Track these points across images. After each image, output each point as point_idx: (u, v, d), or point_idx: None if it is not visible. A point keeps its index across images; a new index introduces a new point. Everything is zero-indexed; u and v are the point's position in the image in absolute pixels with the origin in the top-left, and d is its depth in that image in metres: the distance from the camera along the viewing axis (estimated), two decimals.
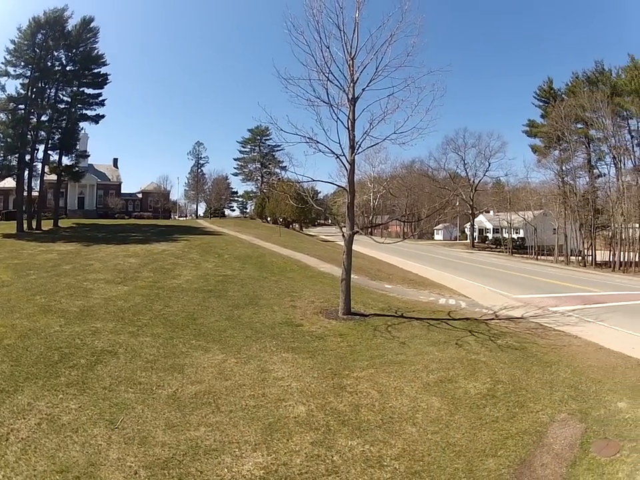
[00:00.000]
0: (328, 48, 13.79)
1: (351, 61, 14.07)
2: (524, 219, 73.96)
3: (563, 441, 7.03)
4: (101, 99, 51.31)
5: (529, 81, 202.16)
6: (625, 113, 63.95)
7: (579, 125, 67.38)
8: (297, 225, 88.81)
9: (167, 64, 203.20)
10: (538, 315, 17.54)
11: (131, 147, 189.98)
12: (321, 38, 13.70)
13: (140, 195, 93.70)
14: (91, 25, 47.99)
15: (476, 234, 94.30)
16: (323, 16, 13.68)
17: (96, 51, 49.37)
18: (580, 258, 63.45)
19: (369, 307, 15.91)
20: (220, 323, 12.67)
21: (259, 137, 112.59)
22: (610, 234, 63.14)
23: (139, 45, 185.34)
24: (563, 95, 72.15)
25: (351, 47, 14.01)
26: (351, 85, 14.14)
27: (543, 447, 6.84)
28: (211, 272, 20.55)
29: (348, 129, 14.33)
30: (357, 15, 13.93)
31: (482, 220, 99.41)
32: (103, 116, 51.55)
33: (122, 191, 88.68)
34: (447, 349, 11.45)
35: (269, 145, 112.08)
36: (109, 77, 51.46)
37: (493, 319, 16.24)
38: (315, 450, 6.25)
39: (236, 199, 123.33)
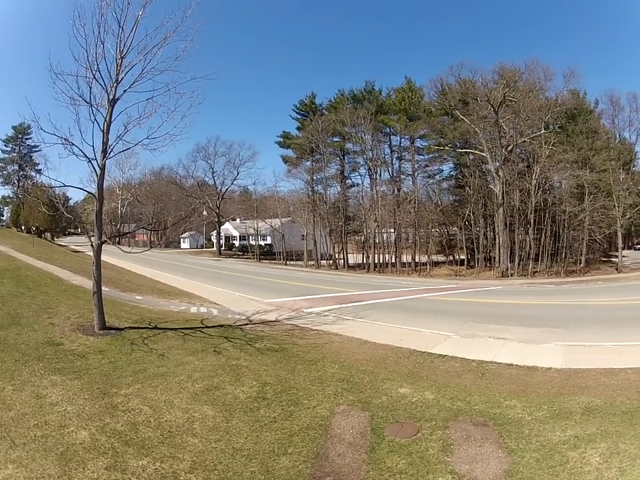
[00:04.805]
0: (102, 44, 13.17)
1: (120, 60, 13.56)
2: (271, 226, 77.39)
3: (352, 430, 7.36)
4: None
5: (291, 94, 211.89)
6: (388, 129, 72.02)
7: (336, 139, 73.85)
8: (48, 235, 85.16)
9: None
10: (293, 317, 18.42)
11: None
12: (99, 32, 13.02)
13: None
14: None
15: (222, 241, 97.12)
16: (109, 10, 13.04)
17: None
18: (331, 262, 68.41)
19: (123, 320, 15.50)
20: None
21: (20, 136, 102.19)
22: (363, 239, 69.14)
23: None
24: (324, 110, 77.92)
25: (124, 46, 13.53)
26: (114, 84, 13.65)
27: (333, 438, 7.10)
28: None
29: (103, 131, 13.79)
30: (140, 12, 13.47)
31: (228, 228, 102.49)
32: None
33: None
34: (206, 357, 11.50)
35: (28, 145, 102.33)
36: None
37: (247, 324, 16.75)
38: (112, 475, 6.01)
39: None
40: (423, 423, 7.54)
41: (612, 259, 67.93)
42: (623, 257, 60.61)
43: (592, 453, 6.27)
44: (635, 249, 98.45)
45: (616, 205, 55.77)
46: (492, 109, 55.75)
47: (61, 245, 74.59)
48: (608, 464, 5.95)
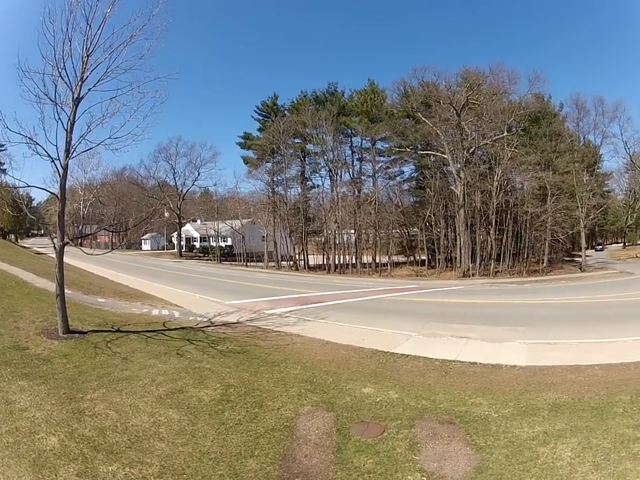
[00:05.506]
0: (70, 41, 13.06)
1: (86, 58, 13.43)
2: (232, 227, 77.83)
3: (317, 430, 7.47)
4: None
5: (254, 95, 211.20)
6: (349, 131, 72.96)
7: (297, 140, 74.42)
8: (12, 236, 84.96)
9: None
10: (254, 318, 18.48)
11: None
12: (68, 29, 12.92)
13: None
14: None
15: (183, 243, 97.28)
16: (79, 7, 12.95)
17: None
18: (292, 263, 68.63)
19: (86, 323, 15.37)
20: None
21: None
22: (323, 239, 69.60)
23: None
24: (286, 111, 78.47)
25: (90, 43, 13.40)
26: (79, 83, 13.52)
27: (299, 439, 7.20)
28: None
29: (67, 130, 13.66)
30: (109, 9, 13.37)
31: (189, 229, 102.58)
32: None
33: None
34: (169, 359, 11.50)
35: None
36: None
37: (209, 326, 16.75)
38: None
39: None
40: (388, 422, 7.65)
41: (575, 259, 69.71)
42: (587, 256, 61.97)
43: (563, 448, 6.42)
44: (596, 250, 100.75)
45: (579, 205, 57.32)
46: (454, 112, 56.64)
47: (25, 247, 74.26)
48: (581, 459, 6.10)
